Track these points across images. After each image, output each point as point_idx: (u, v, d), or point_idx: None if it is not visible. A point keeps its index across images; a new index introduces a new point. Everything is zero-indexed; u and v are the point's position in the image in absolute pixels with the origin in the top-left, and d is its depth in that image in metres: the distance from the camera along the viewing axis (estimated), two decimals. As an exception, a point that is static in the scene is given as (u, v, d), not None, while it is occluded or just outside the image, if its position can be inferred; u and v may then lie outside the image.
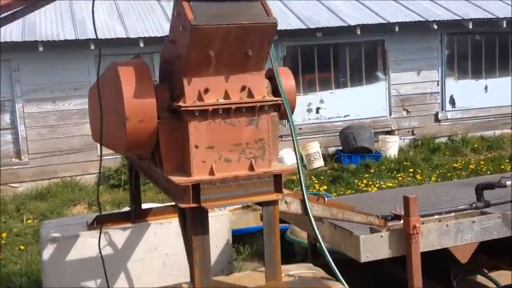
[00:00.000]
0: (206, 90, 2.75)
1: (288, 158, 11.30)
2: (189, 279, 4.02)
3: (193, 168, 2.75)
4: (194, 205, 2.73)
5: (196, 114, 2.71)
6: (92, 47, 9.19)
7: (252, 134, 2.85)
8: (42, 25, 9.67)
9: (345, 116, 12.03)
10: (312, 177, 10.25)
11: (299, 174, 3.15)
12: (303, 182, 3.14)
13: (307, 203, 3.15)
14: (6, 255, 6.67)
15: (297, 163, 3.15)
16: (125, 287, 4.57)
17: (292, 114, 3.16)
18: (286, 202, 3.14)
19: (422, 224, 3.41)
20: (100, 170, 3.32)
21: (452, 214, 3.61)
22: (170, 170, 2.83)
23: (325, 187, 9.46)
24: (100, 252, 3.47)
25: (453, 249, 3.52)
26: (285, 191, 3.23)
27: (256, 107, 2.81)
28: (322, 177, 10.20)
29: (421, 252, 3.38)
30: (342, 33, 11.44)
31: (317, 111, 11.96)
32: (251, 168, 2.83)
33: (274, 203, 2.92)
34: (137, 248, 4.55)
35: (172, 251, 4.42)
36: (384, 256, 3.38)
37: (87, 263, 4.30)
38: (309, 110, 11.90)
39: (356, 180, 9.77)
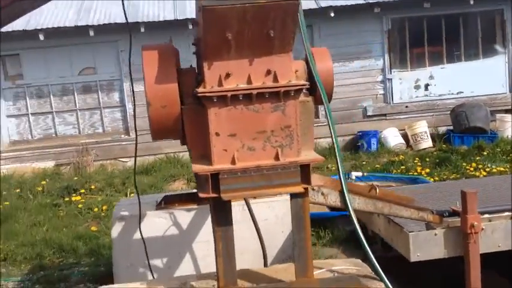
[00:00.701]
0: (227, 75, 2.60)
1: (391, 138, 10.80)
2: (254, 265, 3.96)
3: (214, 156, 2.64)
4: (213, 195, 2.62)
5: (215, 100, 2.58)
6: (190, 27, 9.33)
7: (278, 121, 2.66)
8: (145, 6, 9.99)
9: (457, 93, 11.21)
10: (416, 158, 9.69)
11: (337, 163, 2.91)
12: (341, 170, 2.90)
13: (346, 195, 2.91)
14: (102, 227, 7.05)
15: (336, 150, 2.91)
16: (191, 267, 4.63)
17: (329, 99, 2.92)
18: (323, 193, 2.92)
19: (489, 221, 3.03)
20: (136, 153, 3.29)
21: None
22: (196, 157, 2.73)
23: (427, 170, 8.90)
24: (140, 233, 3.49)
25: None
26: (324, 179, 3.03)
27: (280, 92, 2.61)
28: (427, 160, 9.61)
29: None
30: (453, 3, 10.59)
31: (426, 88, 11.25)
32: (276, 157, 2.66)
33: (303, 194, 2.73)
34: (202, 230, 4.56)
35: (239, 234, 4.37)
36: (438, 256, 3.05)
37: (152, 241, 4.39)
38: (417, 87, 11.23)
39: (464, 164, 9.08)
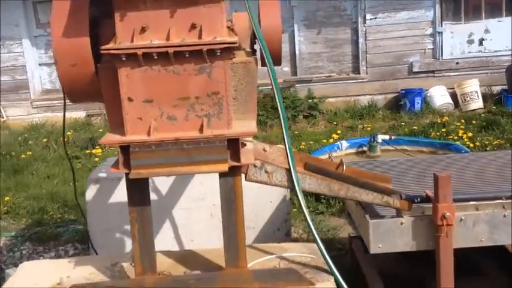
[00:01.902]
0: (143, 29, 2.18)
1: (438, 97, 10.00)
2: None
3: (127, 125, 2.25)
4: (124, 171, 2.25)
5: (124, 59, 2.17)
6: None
7: (203, 86, 2.23)
8: None
9: (515, 50, 10.18)
10: (461, 120, 8.91)
11: (283, 134, 2.45)
12: (287, 144, 2.44)
13: (293, 174, 2.46)
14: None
15: (282, 122, 2.44)
16: (170, 234, 4.34)
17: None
18: (266, 171, 2.48)
19: (476, 210, 2.51)
20: (64, 116, 2.93)
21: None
22: (113, 125, 2.35)
23: (470, 134, 8.14)
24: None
25: (513, 249, 2.58)
26: (273, 154, 2.59)
27: (203, 51, 2.16)
28: (473, 122, 8.81)
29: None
30: None
31: (480, 43, 10.27)
32: (201, 129, 2.24)
33: (234, 173, 2.30)
34: (182, 197, 4.25)
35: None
36: (404, 249, 2.57)
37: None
38: (470, 42, 10.27)
39: (513, 129, 8.27)
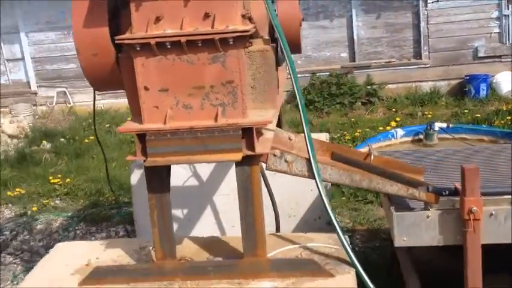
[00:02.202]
0: (157, 19, 2.20)
1: (505, 83, 9.54)
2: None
3: (144, 114, 2.29)
4: (142, 158, 2.29)
5: (138, 49, 2.21)
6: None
7: (218, 75, 2.23)
8: None
9: None
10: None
11: (302, 124, 2.41)
12: (306, 132, 2.40)
13: (313, 164, 2.42)
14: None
15: (300, 110, 2.41)
16: (211, 220, 4.41)
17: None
18: (286, 161, 2.46)
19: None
20: (94, 103, 3.00)
21: None
22: (135, 114, 2.39)
23: None
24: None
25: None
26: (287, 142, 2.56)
27: (215, 40, 2.16)
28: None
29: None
30: None
31: None
32: (216, 118, 2.25)
33: (250, 162, 2.30)
34: (223, 183, 4.30)
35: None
36: (430, 243, 2.47)
37: (172, 191, 4.22)
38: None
39: None
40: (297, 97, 2.38)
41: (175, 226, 4.49)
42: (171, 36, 2.17)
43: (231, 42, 2.17)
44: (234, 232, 4.41)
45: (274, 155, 2.45)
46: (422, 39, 9.97)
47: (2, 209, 6.12)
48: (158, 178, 2.36)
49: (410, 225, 2.45)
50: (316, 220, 4.33)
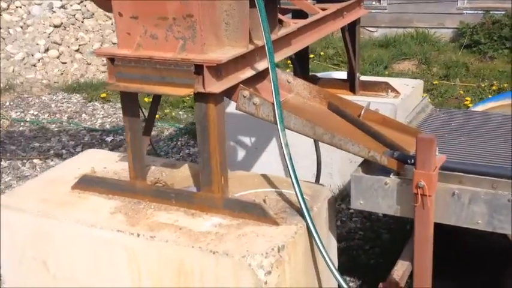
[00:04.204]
0: None
1: None
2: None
3: (118, 40, 2.40)
4: (110, 81, 2.43)
5: (109, -26, 2.29)
6: None
7: (179, 7, 2.22)
8: None
9: None
10: None
11: (270, 70, 2.31)
12: (272, 77, 2.30)
13: (276, 110, 2.33)
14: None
15: (267, 55, 2.29)
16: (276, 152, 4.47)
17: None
18: (254, 103, 2.40)
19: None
20: None
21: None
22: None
23: None
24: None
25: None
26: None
27: (171, -29, 2.14)
28: None
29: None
30: None
31: None
32: (175, 50, 2.27)
33: (207, 100, 2.29)
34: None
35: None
36: (387, 211, 2.23)
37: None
38: None
39: None
40: (266, 48, 2.27)
41: (242, 153, 4.66)
42: (133, -36, 2.20)
43: (187, -26, 2.13)
44: (297, 168, 4.42)
45: (244, 96, 2.40)
46: None
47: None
48: (130, 102, 2.48)
49: (368, 189, 2.25)
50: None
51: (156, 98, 2.65)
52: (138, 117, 2.52)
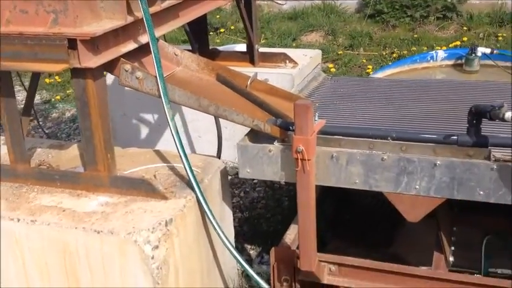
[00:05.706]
0: None
1: None
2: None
3: (-13, 16, 2.26)
4: (-19, 61, 2.29)
5: None
6: None
7: (48, -21, 2.12)
8: None
9: None
10: None
11: (150, 42, 2.26)
12: (153, 52, 2.26)
13: (160, 84, 2.29)
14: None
15: (147, 28, 2.24)
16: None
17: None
18: (137, 78, 2.34)
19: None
20: None
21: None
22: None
23: None
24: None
25: (393, 198, 2.14)
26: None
27: None
28: None
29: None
30: None
31: None
32: (46, 25, 2.16)
33: (86, 74, 2.22)
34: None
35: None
36: (272, 178, 2.29)
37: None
38: None
39: None
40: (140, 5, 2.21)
41: (145, 130, 4.57)
42: None
43: None
44: (200, 142, 4.41)
45: (126, 70, 2.34)
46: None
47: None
48: (4, 82, 2.36)
49: (253, 157, 2.28)
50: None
51: (34, 77, 2.53)
52: (14, 97, 2.40)
